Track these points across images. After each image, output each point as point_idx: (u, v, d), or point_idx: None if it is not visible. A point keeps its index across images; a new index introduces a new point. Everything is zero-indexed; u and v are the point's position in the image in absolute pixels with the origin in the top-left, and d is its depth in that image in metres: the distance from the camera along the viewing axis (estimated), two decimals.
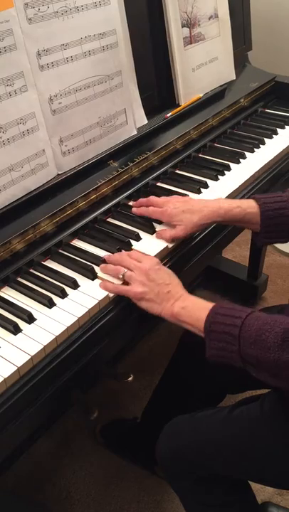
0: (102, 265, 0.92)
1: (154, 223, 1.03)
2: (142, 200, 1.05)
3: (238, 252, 2.19)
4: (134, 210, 1.05)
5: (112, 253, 0.95)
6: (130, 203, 1.10)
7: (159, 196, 1.05)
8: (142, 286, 0.86)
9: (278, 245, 2.23)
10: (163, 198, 1.04)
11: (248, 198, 1.15)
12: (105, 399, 1.58)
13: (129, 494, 1.38)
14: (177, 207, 0.99)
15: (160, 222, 1.03)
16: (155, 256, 0.95)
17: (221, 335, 0.77)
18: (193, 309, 0.83)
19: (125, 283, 0.89)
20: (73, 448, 1.48)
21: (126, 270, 0.89)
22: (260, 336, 0.74)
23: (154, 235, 1.01)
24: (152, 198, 1.04)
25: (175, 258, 1.00)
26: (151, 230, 1.01)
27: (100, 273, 0.92)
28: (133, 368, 1.65)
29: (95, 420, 1.40)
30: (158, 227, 1.02)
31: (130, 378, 1.43)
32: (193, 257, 1.06)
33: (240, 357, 0.76)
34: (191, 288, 1.85)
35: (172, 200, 1.01)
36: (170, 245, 0.98)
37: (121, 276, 0.89)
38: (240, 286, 1.94)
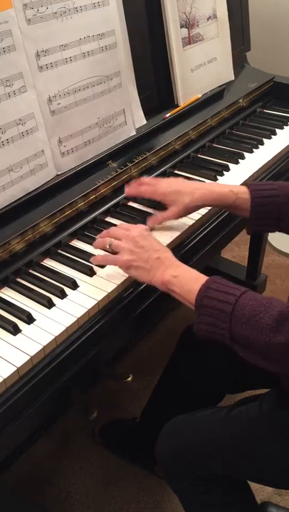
0: (94, 242, 0.93)
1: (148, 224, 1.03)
2: (133, 182, 1.04)
3: (237, 252, 2.20)
4: (126, 190, 1.04)
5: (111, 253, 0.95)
6: (129, 204, 1.10)
7: None
8: (130, 254, 0.85)
9: (277, 245, 2.23)
10: (155, 179, 1.04)
11: None
12: (105, 399, 1.58)
13: (128, 494, 1.38)
14: (170, 185, 0.98)
15: None
16: None
17: (213, 310, 0.75)
18: (185, 279, 0.81)
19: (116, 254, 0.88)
20: (73, 448, 1.48)
21: (113, 240, 0.88)
22: (254, 316, 0.72)
23: (153, 232, 1.01)
24: (143, 177, 1.04)
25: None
26: (150, 230, 1.01)
27: (98, 272, 0.92)
28: (132, 368, 1.65)
29: (95, 420, 1.40)
30: (157, 227, 1.02)
31: (129, 378, 1.43)
32: (192, 258, 1.06)
33: (230, 335, 0.74)
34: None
35: (164, 179, 1.01)
36: (168, 245, 0.98)
37: (108, 246, 0.88)
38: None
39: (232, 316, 0.74)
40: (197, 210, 1.01)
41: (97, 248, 0.92)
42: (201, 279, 0.80)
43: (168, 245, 0.99)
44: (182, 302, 0.82)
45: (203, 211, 1.05)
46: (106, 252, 0.91)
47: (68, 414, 1.54)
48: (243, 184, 1.16)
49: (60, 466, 1.44)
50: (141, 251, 0.85)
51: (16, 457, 1.43)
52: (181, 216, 1.00)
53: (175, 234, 1.01)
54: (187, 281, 0.81)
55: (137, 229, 0.89)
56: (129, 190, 1.04)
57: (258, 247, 1.83)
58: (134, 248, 0.85)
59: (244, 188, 0.98)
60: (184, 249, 1.01)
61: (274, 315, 0.71)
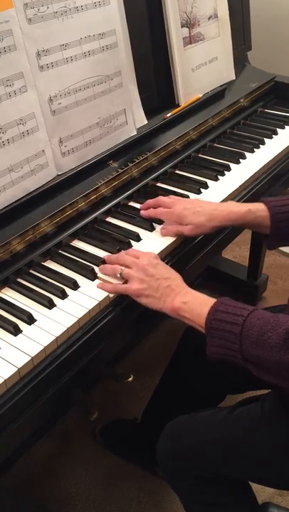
0: (101, 266, 0.92)
1: (154, 223, 1.03)
2: (149, 201, 1.04)
3: (238, 252, 2.19)
4: (142, 212, 1.04)
5: (112, 253, 0.95)
6: (130, 204, 1.10)
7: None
8: (141, 283, 0.86)
9: None
10: (172, 198, 1.03)
11: (249, 197, 1.16)
12: (105, 399, 1.58)
13: (129, 495, 1.38)
14: (187, 208, 0.98)
15: (160, 222, 1.03)
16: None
17: (222, 332, 0.77)
18: (194, 304, 0.82)
19: (126, 282, 0.89)
20: (73, 448, 1.48)
21: (123, 268, 0.88)
22: (263, 335, 0.73)
23: (154, 233, 1.01)
24: (161, 198, 1.03)
25: (175, 258, 0.99)
26: (151, 230, 1.01)
27: (99, 274, 0.91)
28: (133, 369, 1.65)
29: (95, 421, 1.40)
30: (158, 228, 1.02)
31: (130, 379, 1.43)
32: (194, 258, 1.06)
33: (242, 356, 0.76)
34: (191, 288, 1.84)
35: (181, 201, 1.01)
36: (168, 245, 0.98)
37: (119, 275, 0.88)
38: (240, 286, 1.94)
39: (241, 336, 0.75)
40: (214, 230, 1.00)
41: (107, 275, 0.91)
42: (210, 302, 0.81)
43: (170, 245, 0.99)
44: (194, 327, 0.83)
45: None
46: (113, 279, 0.90)
47: (69, 414, 1.53)
48: (243, 183, 1.17)
49: (60, 466, 1.44)
50: (151, 279, 0.86)
51: (17, 457, 1.43)
52: (196, 235, 1.00)
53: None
54: (197, 305, 0.82)
55: (147, 257, 0.89)
56: (146, 212, 1.03)
57: (258, 247, 1.83)
58: (145, 277, 0.86)
59: (262, 206, 0.98)
60: (185, 250, 1.01)
61: (281, 333, 0.72)
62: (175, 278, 0.87)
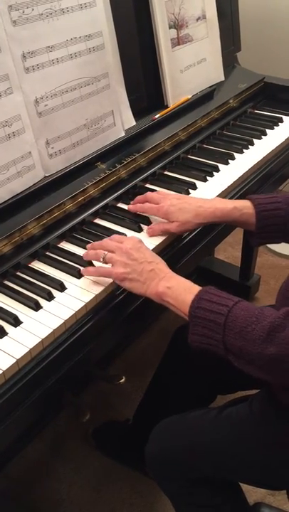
0: (84, 252, 0.92)
1: (142, 224, 1.03)
2: (139, 197, 1.05)
3: (230, 252, 2.20)
4: (129, 207, 1.05)
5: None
6: (118, 205, 1.10)
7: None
8: (124, 266, 0.85)
9: (271, 245, 2.23)
10: (160, 194, 1.04)
11: (238, 198, 1.16)
12: (97, 401, 1.58)
13: (121, 496, 1.38)
14: (174, 204, 0.98)
15: (148, 223, 1.03)
16: None
17: (206, 322, 0.76)
18: (178, 290, 0.82)
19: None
20: (65, 451, 1.48)
21: (106, 253, 0.88)
22: (246, 327, 0.73)
23: (142, 234, 1.01)
24: (149, 194, 1.04)
25: (165, 258, 0.98)
26: (139, 231, 1.01)
27: (83, 272, 0.91)
28: (125, 370, 1.65)
29: (87, 423, 1.39)
30: (146, 229, 1.02)
31: (122, 380, 1.43)
32: (183, 258, 1.06)
33: (224, 346, 0.75)
34: None
35: (169, 197, 1.01)
36: (158, 244, 0.98)
37: (102, 260, 0.88)
38: (232, 286, 1.94)
39: (225, 327, 0.74)
40: (199, 227, 1.01)
41: (90, 260, 0.91)
42: (195, 289, 0.81)
43: (160, 244, 0.99)
44: (177, 313, 0.82)
45: None
46: (99, 264, 0.90)
47: (60, 416, 1.53)
48: (232, 184, 1.17)
49: (52, 468, 1.44)
50: (134, 263, 0.85)
51: (8, 460, 1.43)
52: (182, 232, 1.00)
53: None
54: (181, 291, 0.81)
55: (130, 241, 0.89)
56: (133, 207, 1.04)
57: (251, 248, 1.83)
58: (128, 261, 0.85)
59: (248, 203, 0.98)
60: (174, 250, 1.01)
61: (265, 326, 0.72)
62: (159, 262, 0.86)
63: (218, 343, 0.76)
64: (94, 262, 0.92)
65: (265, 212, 0.97)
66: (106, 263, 0.88)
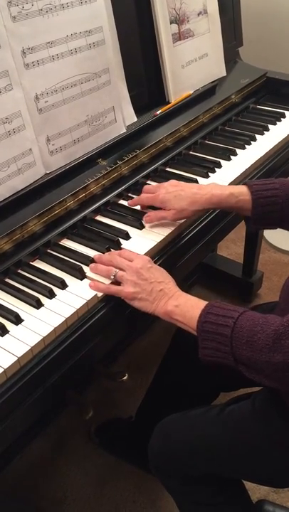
0: (93, 265, 0.91)
1: (143, 222, 1.02)
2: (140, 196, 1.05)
3: (233, 249, 2.19)
4: (128, 202, 1.05)
5: (102, 252, 0.95)
6: (120, 202, 1.10)
7: None
8: (134, 286, 0.85)
9: (274, 242, 2.22)
10: (155, 185, 1.04)
11: None
12: (100, 398, 1.57)
13: (124, 494, 1.38)
14: (169, 191, 0.98)
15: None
16: (145, 254, 0.94)
17: (214, 335, 0.77)
18: (186, 307, 0.83)
19: (117, 283, 0.88)
20: (68, 448, 1.47)
21: (117, 270, 0.88)
22: (252, 337, 0.74)
23: (144, 231, 1.00)
24: (146, 186, 1.04)
25: (166, 256, 0.99)
26: (141, 228, 1.01)
27: (88, 273, 0.91)
28: (128, 367, 1.64)
29: (90, 420, 1.40)
30: (148, 225, 1.01)
31: (125, 377, 1.43)
32: (185, 255, 1.05)
33: (233, 357, 0.76)
34: (187, 286, 1.85)
35: (164, 185, 1.01)
36: (159, 241, 0.98)
37: (112, 277, 0.88)
38: (235, 283, 1.93)
39: (232, 338, 0.75)
40: (197, 214, 1.00)
41: (99, 275, 0.90)
42: (202, 304, 0.81)
43: (161, 242, 0.98)
44: (188, 330, 0.83)
45: None
46: (103, 278, 0.89)
47: (63, 414, 1.53)
48: (234, 180, 1.16)
49: (55, 466, 1.44)
50: (145, 283, 0.85)
51: (12, 458, 1.43)
52: (179, 219, 1.00)
53: (167, 231, 1.00)
54: (188, 308, 0.82)
55: (140, 260, 0.88)
56: (131, 201, 1.05)
57: (253, 244, 1.83)
58: (138, 281, 0.85)
59: (244, 189, 0.98)
60: (176, 247, 1.00)
61: (270, 334, 0.72)
62: (168, 282, 0.87)
63: (227, 355, 0.76)
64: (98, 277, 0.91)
65: (262, 199, 0.96)
66: (116, 281, 0.88)
